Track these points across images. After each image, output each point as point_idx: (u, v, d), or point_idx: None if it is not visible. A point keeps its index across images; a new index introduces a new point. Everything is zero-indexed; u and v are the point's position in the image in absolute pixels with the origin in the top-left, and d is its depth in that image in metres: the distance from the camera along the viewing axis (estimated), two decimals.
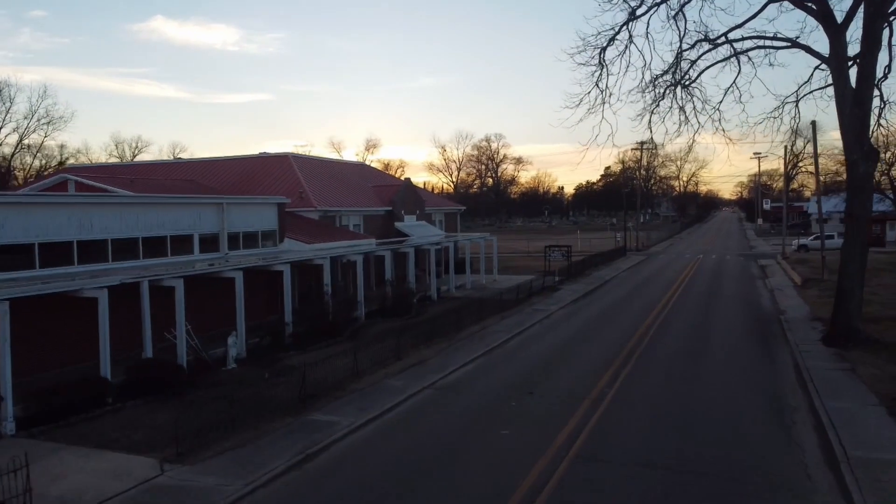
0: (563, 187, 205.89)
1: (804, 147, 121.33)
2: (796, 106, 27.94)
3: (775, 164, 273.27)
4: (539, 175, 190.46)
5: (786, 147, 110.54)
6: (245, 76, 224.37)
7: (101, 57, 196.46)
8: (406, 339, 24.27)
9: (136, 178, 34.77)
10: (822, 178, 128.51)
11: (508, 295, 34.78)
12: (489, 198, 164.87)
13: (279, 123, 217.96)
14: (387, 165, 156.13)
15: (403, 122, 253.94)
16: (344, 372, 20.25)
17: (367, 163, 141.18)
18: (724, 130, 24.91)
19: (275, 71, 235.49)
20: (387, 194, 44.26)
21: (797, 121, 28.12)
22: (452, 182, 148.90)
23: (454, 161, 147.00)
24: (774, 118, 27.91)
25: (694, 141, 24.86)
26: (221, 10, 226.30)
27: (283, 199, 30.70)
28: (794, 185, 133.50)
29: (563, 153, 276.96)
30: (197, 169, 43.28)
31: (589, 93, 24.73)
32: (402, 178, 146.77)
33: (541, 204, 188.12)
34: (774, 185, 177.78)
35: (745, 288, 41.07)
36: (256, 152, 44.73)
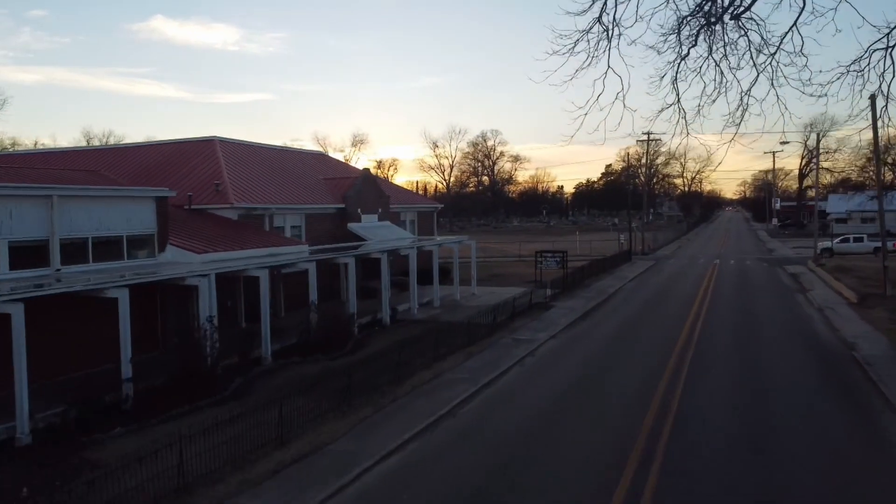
0: (562, 186, 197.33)
1: (819, 140, 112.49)
2: (888, 54, 19.06)
3: (781, 162, 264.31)
4: (538, 174, 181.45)
5: (814, 135, 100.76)
6: (246, 76, 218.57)
7: (102, 56, 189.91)
8: (314, 398, 15.63)
9: (14, 166, 26.09)
10: (832, 177, 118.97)
11: (484, 318, 26.09)
12: (486, 197, 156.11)
13: (279, 123, 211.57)
14: (379, 164, 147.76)
15: (402, 122, 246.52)
16: (167, 481, 11.58)
17: (353, 161, 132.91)
18: (785, 80, 14.00)
19: (275, 70, 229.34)
20: (341, 189, 35.57)
21: (891, 75, 19.21)
22: (445, 181, 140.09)
23: (447, 158, 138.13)
24: (857, 73, 19.00)
25: (745, 105, 14.86)
26: (222, 10, 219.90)
27: (165, 192, 21.95)
28: (808, 183, 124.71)
29: (564, 150, 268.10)
30: (108, 157, 34.61)
31: (589, 31, 15.79)
32: (392, 179, 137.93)
33: (540, 203, 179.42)
34: (782, 184, 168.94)
35: (786, 306, 32.26)
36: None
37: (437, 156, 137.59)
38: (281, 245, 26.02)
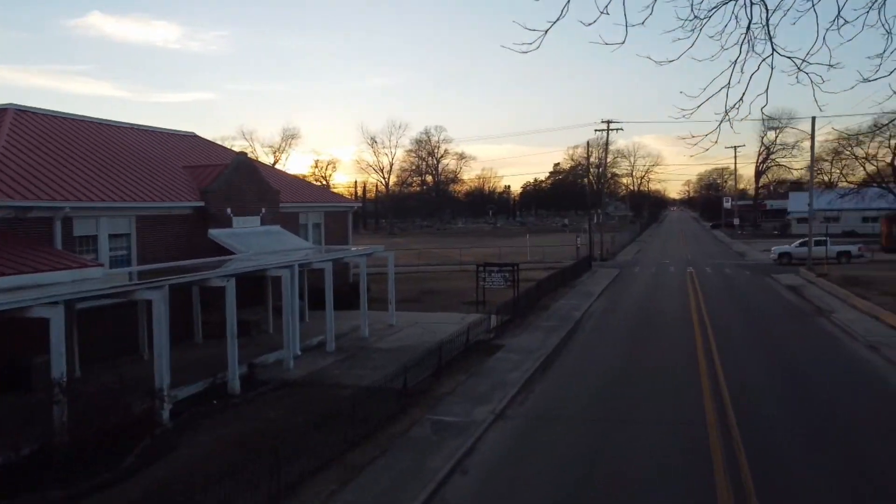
0: (509, 186, 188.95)
1: (776, 137, 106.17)
2: None
3: (726, 161, 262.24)
4: (484, 174, 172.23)
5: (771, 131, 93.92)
6: (188, 74, 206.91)
7: (35, 53, 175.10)
8: None
9: None
10: (791, 175, 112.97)
11: (393, 380, 15.90)
12: (430, 197, 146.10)
13: (224, 123, 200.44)
14: (317, 164, 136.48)
15: (347, 122, 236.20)
16: None
17: (283, 161, 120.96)
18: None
19: (218, 69, 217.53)
20: (206, 180, 25.00)
21: None
22: (384, 180, 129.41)
23: (387, 155, 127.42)
24: None
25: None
26: (162, 7, 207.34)
27: None
28: (765, 181, 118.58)
29: (512, 150, 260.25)
30: None
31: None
32: (331, 179, 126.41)
33: (486, 204, 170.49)
34: (729, 184, 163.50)
35: (821, 342, 23.03)
36: None
37: (375, 153, 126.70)
38: (64, 267, 15.36)
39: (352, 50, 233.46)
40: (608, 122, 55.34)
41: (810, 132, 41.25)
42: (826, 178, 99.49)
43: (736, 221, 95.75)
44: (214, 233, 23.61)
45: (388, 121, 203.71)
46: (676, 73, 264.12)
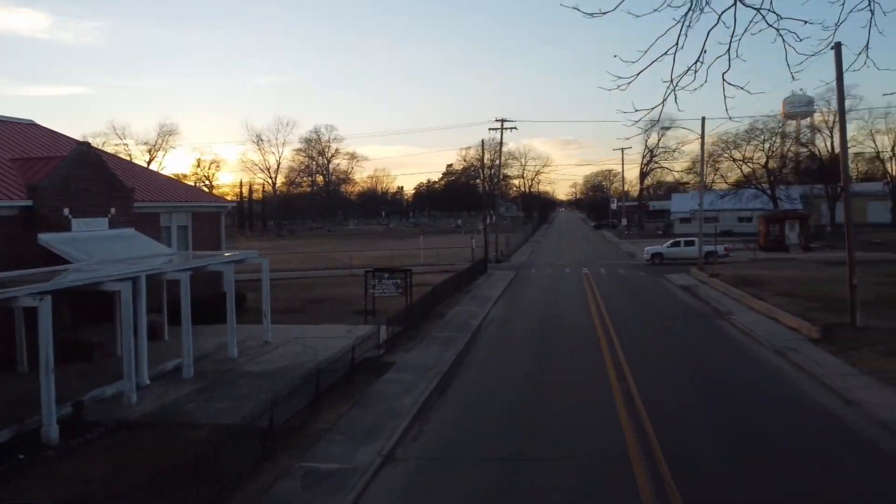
0: (402, 187, 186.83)
1: (659, 139, 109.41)
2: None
3: (612, 164, 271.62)
4: (377, 174, 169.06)
5: (654, 133, 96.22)
6: (58, 67, 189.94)
7: None
8: None
9: None
10: (672, 177, 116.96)
11: (262, 416, 12.89)
12: (320, 197, 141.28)
13: (99, 120, 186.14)
14: (199, 163, 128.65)
15: (234, 121, 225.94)
16: None
17: (159, 160, 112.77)
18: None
19: (93, 62, 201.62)
20: (38, 175, 20.82)
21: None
22: (271, 179, 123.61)
23: (273, 153, 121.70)
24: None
25: None
26: None
27: None
28: (649, 182, 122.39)
29: (407, 156, 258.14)
30: None
31: None
32: (214, 179, 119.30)
33: (379, 205, 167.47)
34: (614, 186, 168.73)
35: (727, 346, 21.92)
36: None
37: (261, 151, 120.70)
38: None
39: (238, 46, 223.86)
40: (502, 120, 53.97)
41: (700, 133, 41.32)
42: (706, 181, 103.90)
43: (624, 222, 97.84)
44: (46, 238, 19.57)
45: (274, 118, 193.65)
46: (570, 69, 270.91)
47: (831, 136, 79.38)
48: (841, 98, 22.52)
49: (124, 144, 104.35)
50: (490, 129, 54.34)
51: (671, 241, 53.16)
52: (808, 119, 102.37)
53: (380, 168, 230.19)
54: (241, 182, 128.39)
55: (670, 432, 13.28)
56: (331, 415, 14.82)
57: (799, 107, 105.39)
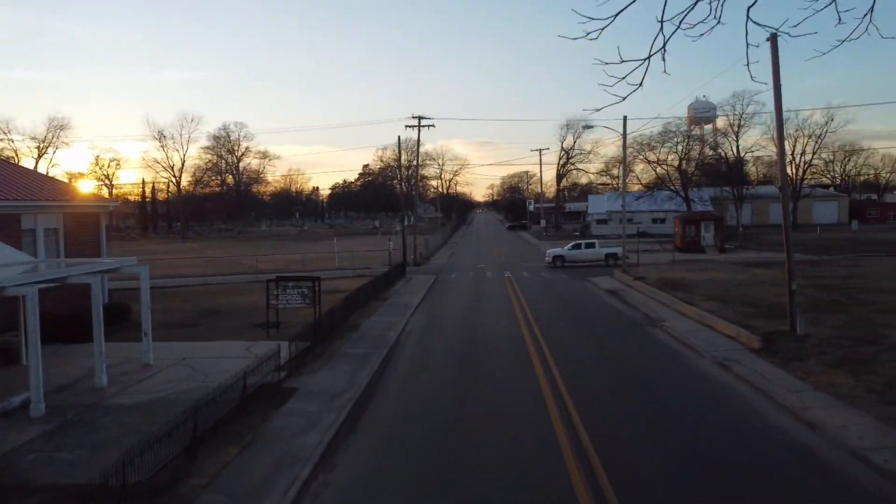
0: (318, 187, 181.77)
1: (575, 142, 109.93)
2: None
3: (526, 166, 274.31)
4: (291, 174, 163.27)
5: (570, 135, 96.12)
6: None
7: None
8: None
9: None
10: (588, 178, 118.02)
11: (116, 475, 9.85)
12: (230, 197, 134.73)
13: None
14: (98, 161, 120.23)
15: (138, 117, 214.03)
16: None
17: (47, 158, 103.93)
18: None
19: None
20: None
21: None
22: (175, 178, 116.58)
23: (177, 150, 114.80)
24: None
25: None
26: None
27: None
28: (565, 183, 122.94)
29: (322, 155, 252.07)
30: None
31: None
32: (114, 178, 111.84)
33: (294, 205, 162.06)
34: (532, 188, 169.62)
35: (671, 363, 20.09)
36: None
37: (164, 148, 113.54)
38: None
39: (141, 40, 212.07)
40: (419, 117, 51.50)
41: (622, 132, 40.18)
42: (616, 183, 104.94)
43: (543, 223, 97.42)
44: None
45: (178, 114, 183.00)
46: (489, 70, 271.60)
47: (737, 140, 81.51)
48: (778, 92, 21.20)
49: (9, 140, 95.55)
50: (407, 125, 51.24)
51: (572, 243, 52.06)
52: (711, 124, 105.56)
53: (294, 168, 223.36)
54: (143, 181, 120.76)
55: (625, 477, 11.08)
56: (212, 464, 11.86)
57: (703, 112, 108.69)
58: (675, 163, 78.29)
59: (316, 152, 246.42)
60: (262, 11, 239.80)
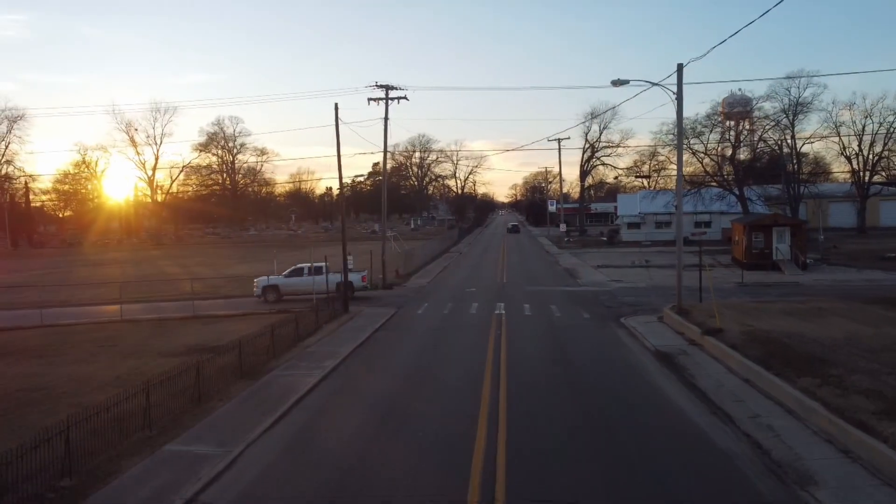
0: (331, 188, 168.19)
1: (601, 132, 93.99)
2: None
3: (549, 163, 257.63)
4: (300, 174, 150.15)
5: (595, 126, 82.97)
6: None
7: None
8: None
9: None
10: (616, 175, 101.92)
11: None
12: (223, 198, 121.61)
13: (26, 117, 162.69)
14: (84, 161, 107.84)
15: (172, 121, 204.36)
16: None
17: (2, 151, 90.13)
18: None
19: (16, 57, 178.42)
20: None
21: None
22: (147, 176, 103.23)
23: (152, 144, 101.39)
24: None
25: None
26: None
27: None
28: (590, 181, 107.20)
29: (330, 156, 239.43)
30: None
31: None
32: (99, 177, 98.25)
33: (306, 207, 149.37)
34: (553, 186, 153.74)
35: None
36: None
37: (132, 139, 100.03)
38: None
39: (170, 45, 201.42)
40: (387, 87, 36.60)
41: (676, 85, 24.91)
42: (653, 182, 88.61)
43: (563, 227, 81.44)
44: None
45: (150, 99, 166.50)
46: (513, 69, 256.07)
47: (792, 129, 65.01)
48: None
49: None
50: (370, 98, 36.12)
51: (291, 268, 34.30)
52: (745, 121, 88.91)
53: (303, 167, 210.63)
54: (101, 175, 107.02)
55: None
56: None
57: (738, 106, 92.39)
58: (727, 152, 62.13)
59: (329, 154, 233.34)
60: (278, 22, 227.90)
